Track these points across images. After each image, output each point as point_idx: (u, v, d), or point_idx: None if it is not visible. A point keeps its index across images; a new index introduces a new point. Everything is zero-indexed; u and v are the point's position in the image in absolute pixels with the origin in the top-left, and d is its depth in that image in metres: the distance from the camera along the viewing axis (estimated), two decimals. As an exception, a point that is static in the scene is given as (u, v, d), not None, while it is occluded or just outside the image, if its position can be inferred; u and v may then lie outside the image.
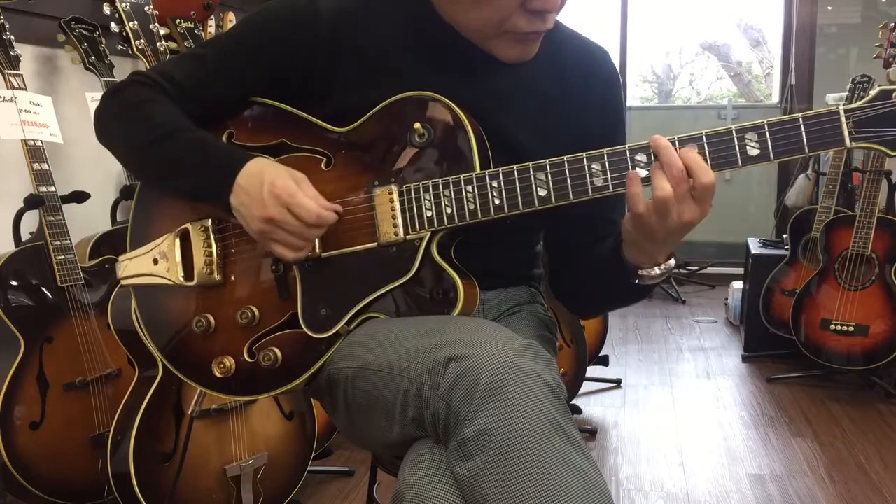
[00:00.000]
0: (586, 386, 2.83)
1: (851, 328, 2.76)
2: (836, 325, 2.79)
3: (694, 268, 4.70)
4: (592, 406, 2.80)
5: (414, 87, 1.04)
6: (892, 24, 2.64)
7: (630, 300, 1.14)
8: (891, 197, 2.89)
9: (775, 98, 5.10)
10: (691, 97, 7.28)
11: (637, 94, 6.70)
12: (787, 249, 3.18)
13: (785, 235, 3.25)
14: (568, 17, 1.19)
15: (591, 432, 2.54)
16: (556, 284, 1.25)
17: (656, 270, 1.02)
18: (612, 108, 1.18)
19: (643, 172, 0.93)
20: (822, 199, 3.04)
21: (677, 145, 0.92)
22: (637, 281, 1.04)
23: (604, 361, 2.89)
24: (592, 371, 2.85)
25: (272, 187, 0.99)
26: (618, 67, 1.25)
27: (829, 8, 4.62)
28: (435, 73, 1.09)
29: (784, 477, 2.22)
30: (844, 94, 3.07)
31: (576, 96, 1.14)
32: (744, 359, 3.29)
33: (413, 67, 1.10)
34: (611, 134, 1.15)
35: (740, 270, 3.65)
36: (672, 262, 1.03)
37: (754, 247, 3.41)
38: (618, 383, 3.00)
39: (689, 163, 0.90)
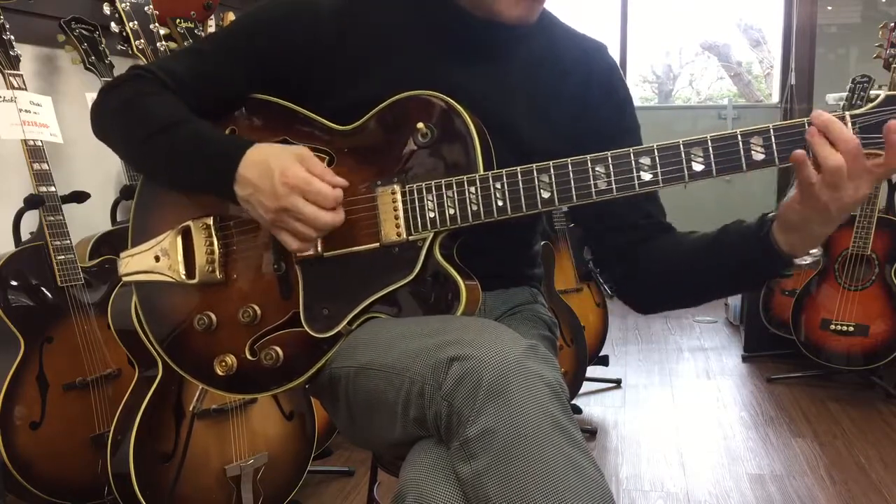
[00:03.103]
0: (586, 386, 2.83)
1: (851, 328, 2.76)
2: (836, 325, 2.79)
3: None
4: (592, 406, 2.80)
5: (417, 81, 1.04)
6: (892, 24, 2.64)
7: (742, 292, 1.09)
8: (891, 197, 2.90)
9: (775, 98, 5.10)
10: (691, 97, 7.28)
11: (637, 94, 6.71)
12: (786, 249, 3.18)
13: (785, 235, 3.24)
14: (568, 17, 1.20)
15: (591, 432, 2.54)
16: (621, 283, 1.18)
17: (808, 260, 0.98)
18: (614, 100, 1.17)
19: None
20: (822, 199, 3.03)
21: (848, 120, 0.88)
22: (785, 271, 0.99)
23: (604, 361, 2.89)
24: (592, 371, 2.85)
25: (284, 177, 0.98)
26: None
27: (829, 8, 4.62)
28: (438, 65, 1.09)
29: (784, 477, 2.22)
30: (844, 95, 3.07)
31: (576, 91, 1.14)
32: (744, 359, 3.29)
33: (415, 60, 1.10)
34: (616, 125, 1.15)
35: (740, 270, 3.65)
36: (818, 248, 0.99)
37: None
38: (618, 383, 3.00)
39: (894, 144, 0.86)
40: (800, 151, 0.88)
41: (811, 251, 0.98)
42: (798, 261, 0.98)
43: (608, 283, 1.21)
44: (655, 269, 1.12)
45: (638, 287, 1.17)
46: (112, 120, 1.14)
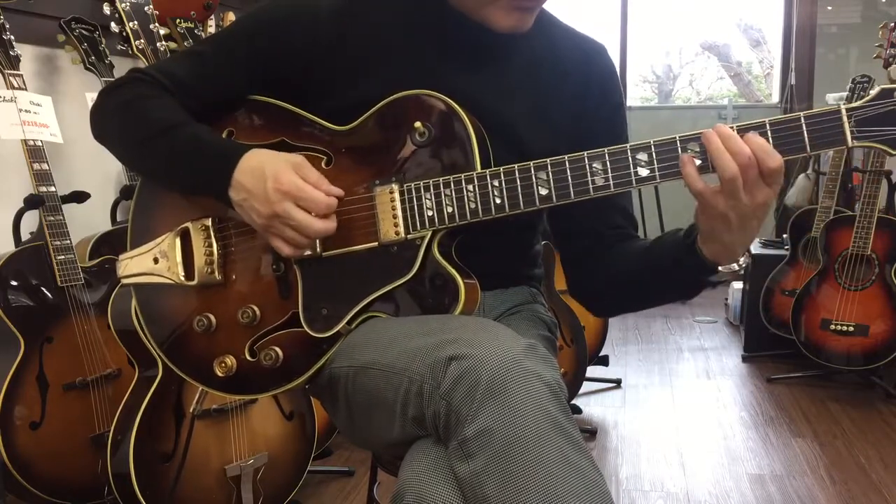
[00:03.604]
0: (586, 386, 2.83)
1: (851, 328, 2.76)
2: (836, 325, 2.79)
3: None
4: (592, 406, 2.80)
5: (415, 82, 1.04)
6: (892, 24, 2.64)
7: (676, 299, 1.13)
8: (891, 197, 2.89)
9: (775, 98, 5.10)
10: (691, 97, 7.28)
11: (637, 94, 6.70)
12: (787, 249, 3.18)
13: (785, 235, 3.25)
14: (568, 17, 1.20)
15: (591, 432, 2.54)
16: (576, 283, 1.22)
17: (734, 266, 1.00)
18: (611, 102, 1.18)
19: (697, 161, 0.92)
20: (822, 199, 3.04)
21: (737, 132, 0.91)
22: (712, 278, 1.02)
23: (604, 361, 2.89)
24: (592, 371, 2.85)
25: (277, 183, 0.99)
26: (618, 67, 1.26)
27: (829, 8, 4.62)
28: (436, 66, 1.09)
29: (784, 477, 2.22)
30: (844, 94, 3.07)
31: (575, 91, 1.15)
32: (744, 359, 3.29)
33: (414, 61, 1.10)
34: (610, 128, 1.16)
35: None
36: (743, 259, 1.01)
37: (754, 247, 3.41)
38: (618, 383, 3.00)
39: (755, 148, 0.89)
40: (683, 155, 0.91)
41: (738, 259, 1.00)
42: (721, 268, 1.00)
43: (569, 287, 1.24)
44: (604, 274, 1.16)
45: (589, 291, 1.21)
46: (111, 122, 1.14)
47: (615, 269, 1.14)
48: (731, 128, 0.91)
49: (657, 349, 3.48)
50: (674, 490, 2.15)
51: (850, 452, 2.36)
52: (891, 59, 2.62)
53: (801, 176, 3.83)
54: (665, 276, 1.07)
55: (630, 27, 4.88)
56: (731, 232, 0.94)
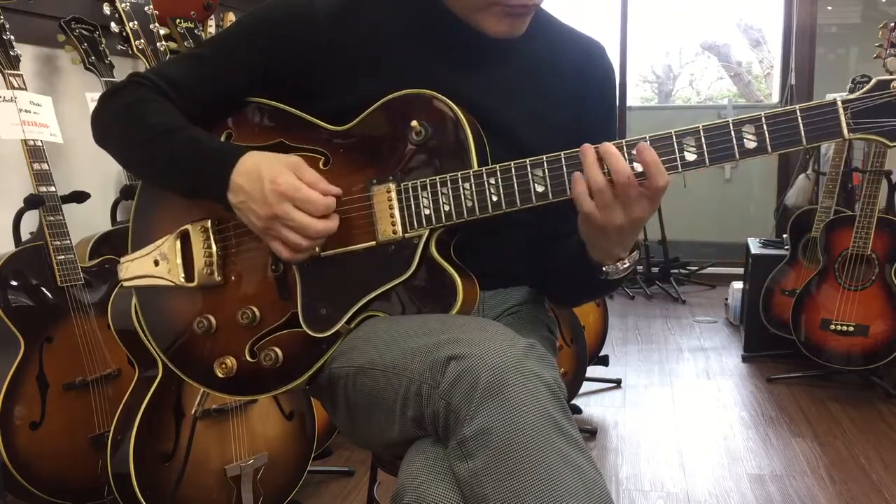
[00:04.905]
0: (586, 386, 2.83)
1: (851, 328, 2.76)
2: (836, 325, 2.78)
3: (694, 268, 4.70)
4: (592, 406, 2.80)
5: (415, 83, 1.04)
6: (892, 24, 2.64)
7: (598, 294, 1.16)
8: (891, 197, 2.89)
9: (775, 98, 5.10)
10: (691, 97, 7.29)
11: (637, 94, 6.71)
12: (787, 249, 3.18)
13: (785, 235, 3.25)
14: (568, 17, 1.20)
15: (591, 432, 2.54)
16: (542, 279, 1.25)
17: (620, 266, 1.03)
18: (607, 103, 1.20)
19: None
20: (822, 199, 3.04)
21: (625, 149, 0.93)
22: (604, 277, 1.05)
23: (604, 361, 2.89)
24: (592, 371, 2.85)
25: (274, 185, 0.99)
26: (618, 67, 1.27)
27: (829, 8, 4.62)
28: (436, 67, 1.09)
29: (784, 477, 2.22)
30: (844, 95, 3.07)
31: (574, 90, 1.15)
32: (744, 359, 3.29)
33: (413, 62, 1.10)
34: (604, 128, 1.17)
35: (740, 270, 3.65)
36: (636, 254, 1.04)
37: (754, 247, 3.41)
38: (618, 383, 3.00)
39: (647, 164, 0.91)
40: (576, 173, 0.95)
41: (620, 263, 1.04)
42: (609, 268, 1.04)
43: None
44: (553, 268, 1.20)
45: (548, 285, 1.24)
46: (111, 127, 1.15)
47: (557, 266, 1.18)
48: (625, 142, 0.94)
49: (657, 349, 3.48)
50: (674, 490, 2.15)
51: (850, 452, 2.36)
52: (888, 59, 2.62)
53: (801, 176, 3.83)
54: (573, 274, 1.11)
55: (630, 27, 4.87)
56: (608, 241, 0.99)
